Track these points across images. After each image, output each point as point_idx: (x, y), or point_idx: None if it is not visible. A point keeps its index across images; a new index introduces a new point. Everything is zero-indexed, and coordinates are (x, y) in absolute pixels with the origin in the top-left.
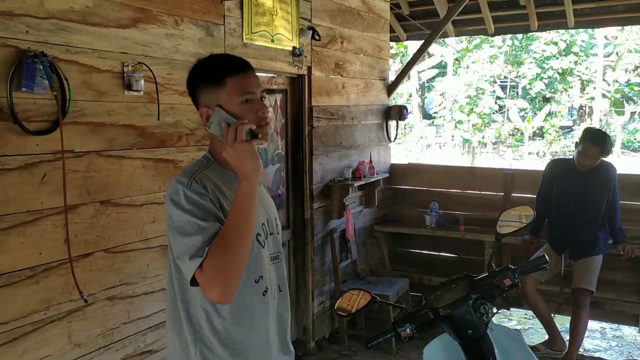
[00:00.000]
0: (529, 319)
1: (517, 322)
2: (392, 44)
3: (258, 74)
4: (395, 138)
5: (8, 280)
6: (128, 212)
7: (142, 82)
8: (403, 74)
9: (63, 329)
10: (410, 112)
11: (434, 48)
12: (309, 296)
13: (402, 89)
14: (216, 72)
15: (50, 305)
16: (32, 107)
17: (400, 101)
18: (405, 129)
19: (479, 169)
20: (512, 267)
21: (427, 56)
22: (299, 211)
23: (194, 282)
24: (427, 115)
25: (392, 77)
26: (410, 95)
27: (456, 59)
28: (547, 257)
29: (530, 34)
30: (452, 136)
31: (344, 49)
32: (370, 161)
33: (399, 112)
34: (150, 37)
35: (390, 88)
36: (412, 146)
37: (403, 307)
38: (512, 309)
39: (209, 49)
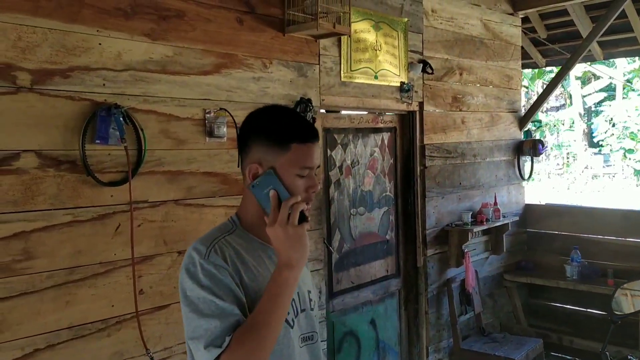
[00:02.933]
0: None
1: None
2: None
3: (358, 112)
4: (530, 175)
5: (78, 333)
6: None
7: (225, 128)
8: (538, 103)
9: None
10: (545, 147)
11: (602, 69)
12: (423, 352)
13: (563, 114)
14: (283, 133)
15: (123, 358)
16: (107, 159)
17: (562, 128)
18: (567, 158)
19: (634, 212)
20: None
21: (593, 78)
22: (411, 258)
23: None
24: (593, 144)
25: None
26: (573, 122)
27: (627, 81)
28: None
29: None
30: (622, 167)
31: (463, 81)
32: (495, 203)
33: (533, 147)
34: (234, 81)
35: (523, 120)
36: (575, 177)
37: None
38: None
39: (302, 90)
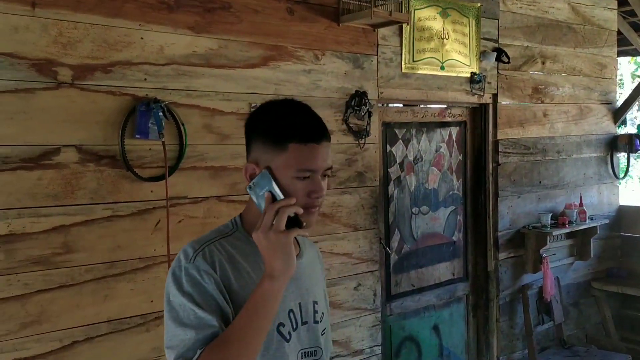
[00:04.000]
0: None
1: None
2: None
3: (422, 106)
4: (626, 174)
5: (117, 327)
6: None
7: None
8: (636, 93)
9: None
10: None
11: None
12: None
13: None
14: (280, 132)
15: (161, 354)
16: (147, 154)
17: None
18: None
19: None
20: None
21: None
22: (481, 261)
23: None
24: None
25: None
26: None
27: None
28: None
29: None
30: None
31: (546, 70)
32: (581, 204)
33: (630, 143)
34: (283, 74)
35: (618, 113)
36: None
37: None
38: None
39: (358, 82)
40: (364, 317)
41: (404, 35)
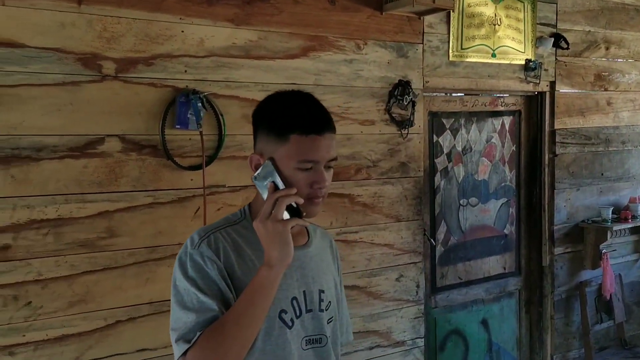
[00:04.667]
0: None
1: None
2: None
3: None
4: None
5: (158, 309)
6: None
7: None
8: None
9: None
10: None
11: None
12: None
13: None
14: (282, 123)
15: None
16: (187, 144)
17: None
18: None
19: None
20: None
21: None
22: (535, 256)
23: None
24: None
25: None
26: None
27: None
28: None
29: None
30: None
31: (610, 56)
32: None
33: None
34: (323, 65)
35: None
36: None
37: None
38: None
39: (401, 71)
40: (406, 309)
41: (451, 22)
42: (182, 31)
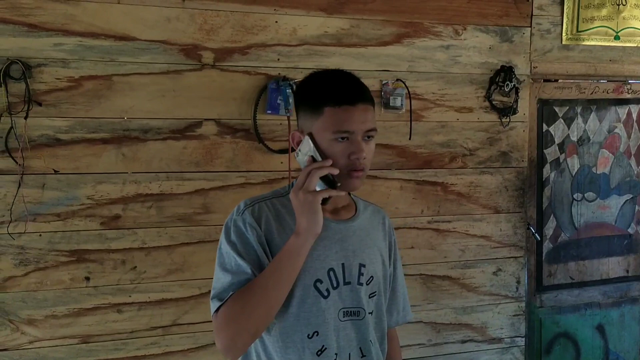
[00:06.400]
0: None
1: None
2: None
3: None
4: None
5: None
6: None
7: (403, 99)
8: None
9: None
10: None
11: None
12: None
13: None
14: (316, 97)
15: None
16: (278, 128)
17: None
18: None
19: None
20: None
21: None
22: None
23: None
24: None
25: None
26: None
27: None
28: None
29: None
30: None
31: None
32: None
33: None
34: (417, 51)
35: None
36: None
37: None
38: None
39: (505, 57)
40: (504, 305)
41: (566, 3)
42: (276, 21)
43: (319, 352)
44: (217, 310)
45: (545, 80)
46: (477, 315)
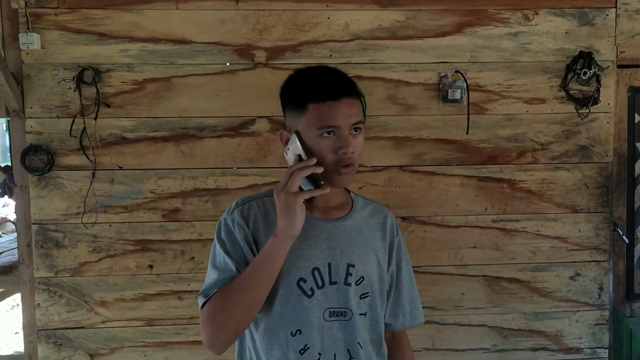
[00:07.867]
0: None
1: None
2: None
3: None
4: None
5: None
6: (437, 232)
7: (464, 91)
8: None
9: None
10: None
11: None
12: None
13: None
14: (299, 94)
15: None
16: None
17: None
18: None
19: None
20: None
21: None
22: None
23: None
24: None
25: None
26: None
27: None
28: None
29: None
30: None
31: None
32: None
33: None
34: (481, 40)
35: None
36: None
37: None
38: None
39: (584, 41)
40: (583, 313)
41: None
42: (328, 18)
43: (302, 351)
44: (202, 306)
45: (635, 66)
46: (551, 322)
